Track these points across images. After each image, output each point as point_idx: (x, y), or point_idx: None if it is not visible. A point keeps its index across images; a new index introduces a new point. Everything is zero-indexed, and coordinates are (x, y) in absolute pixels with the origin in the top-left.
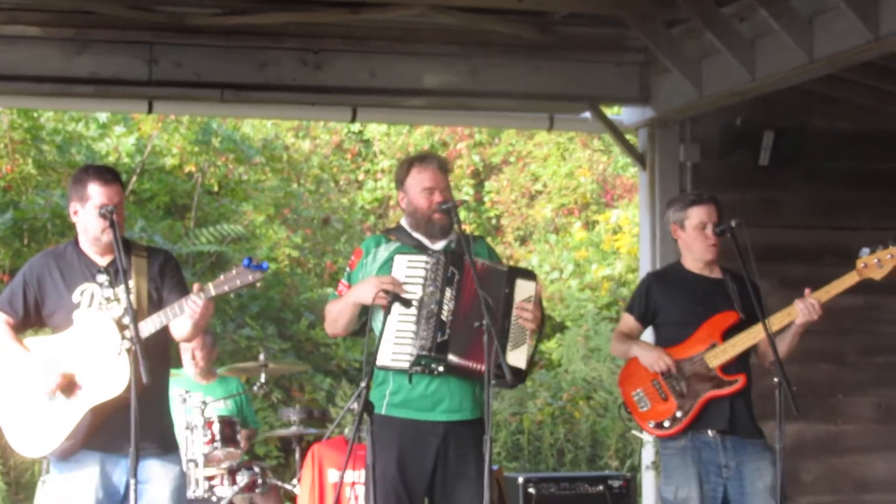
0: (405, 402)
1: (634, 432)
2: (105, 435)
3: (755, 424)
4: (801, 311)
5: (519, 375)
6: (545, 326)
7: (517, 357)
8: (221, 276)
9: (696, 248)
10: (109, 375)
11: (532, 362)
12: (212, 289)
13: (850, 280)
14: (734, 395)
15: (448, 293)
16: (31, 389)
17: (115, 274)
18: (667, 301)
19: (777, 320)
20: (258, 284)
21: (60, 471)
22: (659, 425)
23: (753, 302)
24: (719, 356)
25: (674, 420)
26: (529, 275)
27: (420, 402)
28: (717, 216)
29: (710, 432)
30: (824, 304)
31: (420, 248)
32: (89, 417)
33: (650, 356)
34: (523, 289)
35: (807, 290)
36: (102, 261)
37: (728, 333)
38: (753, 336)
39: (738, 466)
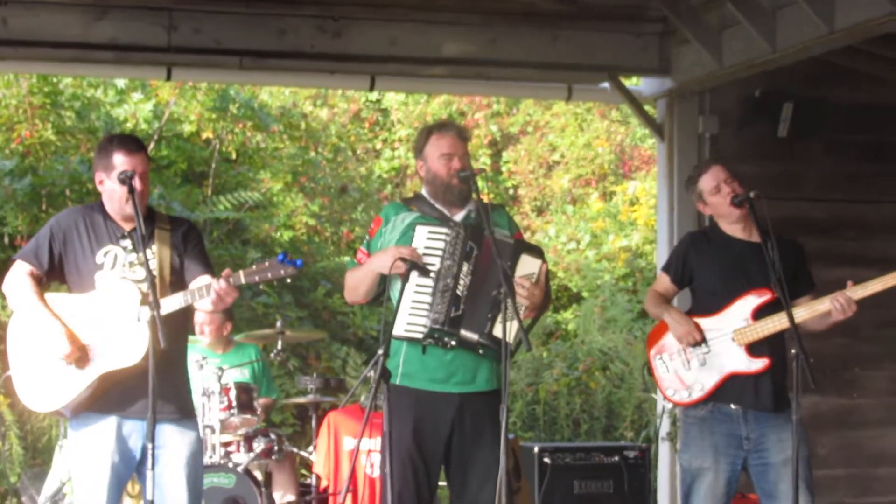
0: (418, 373)
1: (653, 395)
2: (122, 399)
3: (782, 397)
4: (836, 310)
5: (496, 343)
6: (548, 306)
7: (502, 329)
8: (254, 266)
9: (722, 211)
10: (127, 343)
11: (525, 339)
12: (242, 277)
13: (892, 280)
14: (758, 373)
15: (465, 268)
16: (45, 348)
17: (140, 240)
18: (703, 266)
19: (808, 311)
20: (289, 280)
21: (76, 434)
22: (678, 394)
23: (783, 277)
24: (748, 335)
25: (693, 391)
26: (536, 251)
27: (434, 374)
28: (728, 174)
29: (731, 405)
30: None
31: (441, 219)
32: (99, 381)
33: (681, 329)
34: (526, 264)
35: (849, 283)
36: (128, 226)
37: (760, 312)
38: (783, 323)
39: (760, 438)
